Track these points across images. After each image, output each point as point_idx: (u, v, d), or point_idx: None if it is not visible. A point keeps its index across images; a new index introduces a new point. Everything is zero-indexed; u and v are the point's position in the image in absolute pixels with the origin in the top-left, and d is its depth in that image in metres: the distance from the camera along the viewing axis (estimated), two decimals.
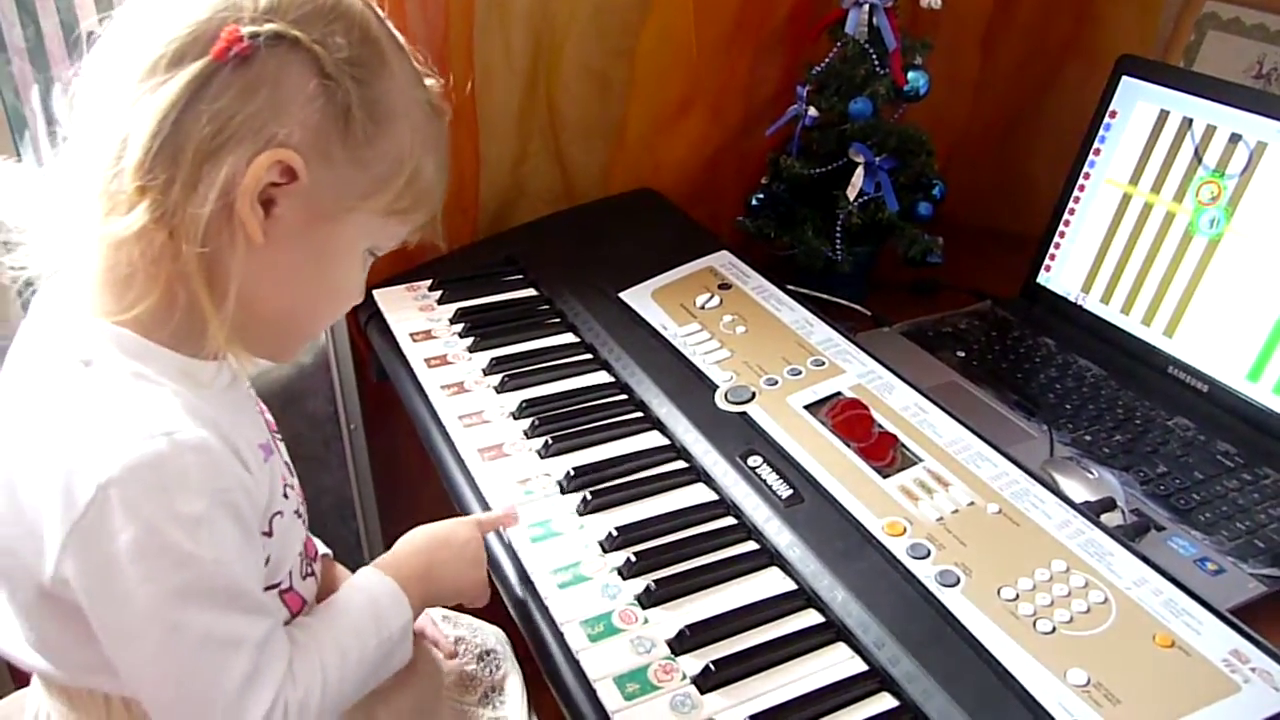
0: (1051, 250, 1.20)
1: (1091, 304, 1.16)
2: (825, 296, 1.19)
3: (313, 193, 0.59)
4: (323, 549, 0.85)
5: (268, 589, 0.65)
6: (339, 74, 0.58)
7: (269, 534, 0.64)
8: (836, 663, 0.71)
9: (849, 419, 0.88)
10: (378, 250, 0.67)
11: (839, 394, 0.92)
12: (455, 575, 0.76)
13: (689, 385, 0.96)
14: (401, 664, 0.72)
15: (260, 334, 0.65)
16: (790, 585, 0.77)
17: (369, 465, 1.27)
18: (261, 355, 0.67)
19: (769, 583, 0.77)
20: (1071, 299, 1.18)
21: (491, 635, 0.90)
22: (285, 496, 0.67)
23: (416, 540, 0.77)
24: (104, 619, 0.57)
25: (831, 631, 0.73)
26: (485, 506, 0.85)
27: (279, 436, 0.73)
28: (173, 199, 0.55)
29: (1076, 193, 1.18)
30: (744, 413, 0.91)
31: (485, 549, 0.80)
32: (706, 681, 0.68)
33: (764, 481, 0.83)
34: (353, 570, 0.86)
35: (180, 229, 0.56)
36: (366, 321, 1.13)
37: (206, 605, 0.57)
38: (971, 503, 0.79)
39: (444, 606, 0.86)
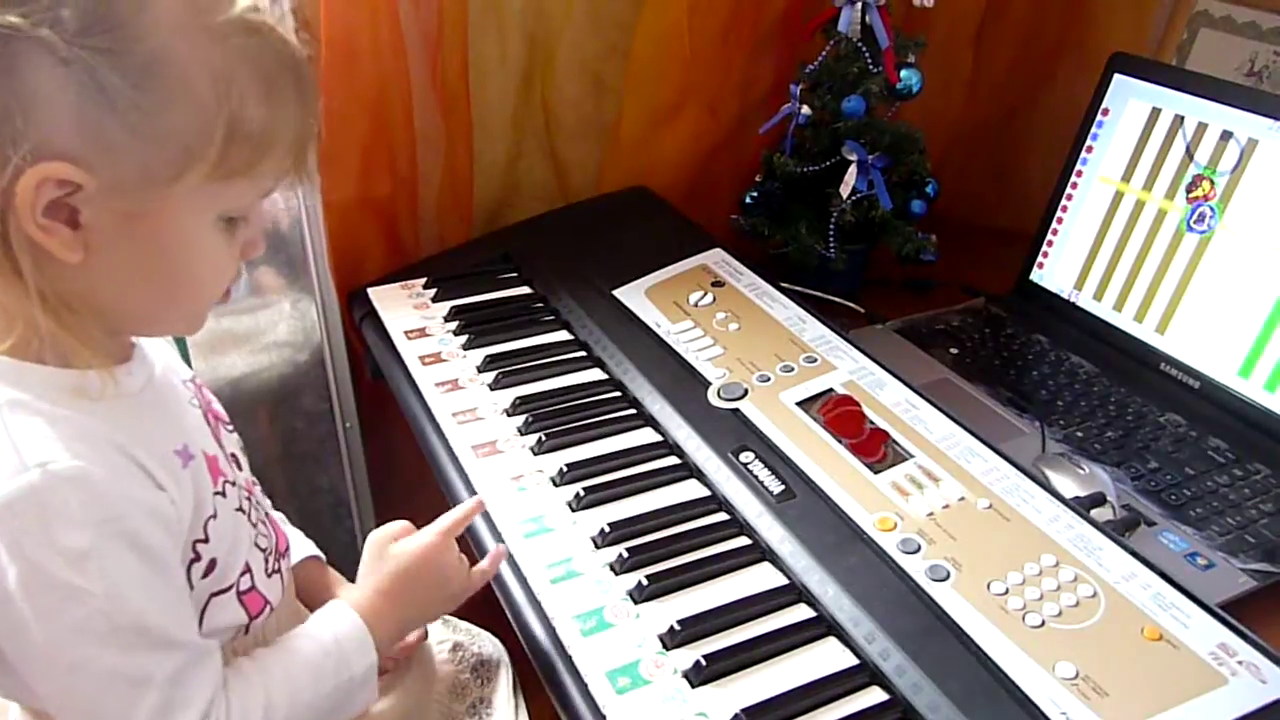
0: (1044, 248, 1.21)
1: (1084, 301, 1.16)
2: (819, 294, 1.19)
3: (112, 190, 0.52)
4: (313, 550, 0.84)
5: (219, 593, 0.63)
6: (75, 55, 0.49)
7: (205, 540, 0.61)
8: (827, 657, 0.71)
9: (841, 415, 0.89)
10: (234, 214, 0.59)
11: (831, 390, 0.92)
12: (430, 604, 0.74)
13: (682, 382, 0.96)
14: (365, 706, 0.69)
15: (151, 322, 0.62)
16: (781, 580, 0.77)
17: (365, 463, 1.27)
18: (168, 334, 0.63)
19: (760, 578, 0.77)
20: (1064, 296, 1.19)
21: (489, 643, 0.90)
22: (223, 495, 0.64)
23: (387, 566, 0.73)
24: (10, 652, 0.55)
25: (822, 626, 0.73)
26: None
27: (229, 426, 0.71)
28: None
29: (1069, 190, 1.18)
30: (736, 409, 0.91)
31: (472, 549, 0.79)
32: (698, 675, 0.68)
33: (756, 477, 0.84)
34: (346, 573, 0.86)
35: None
36: (361, 319, 1.13)
37: (107, 643, 0.54)
38: (962, 498, 0.80)
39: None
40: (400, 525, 0.77)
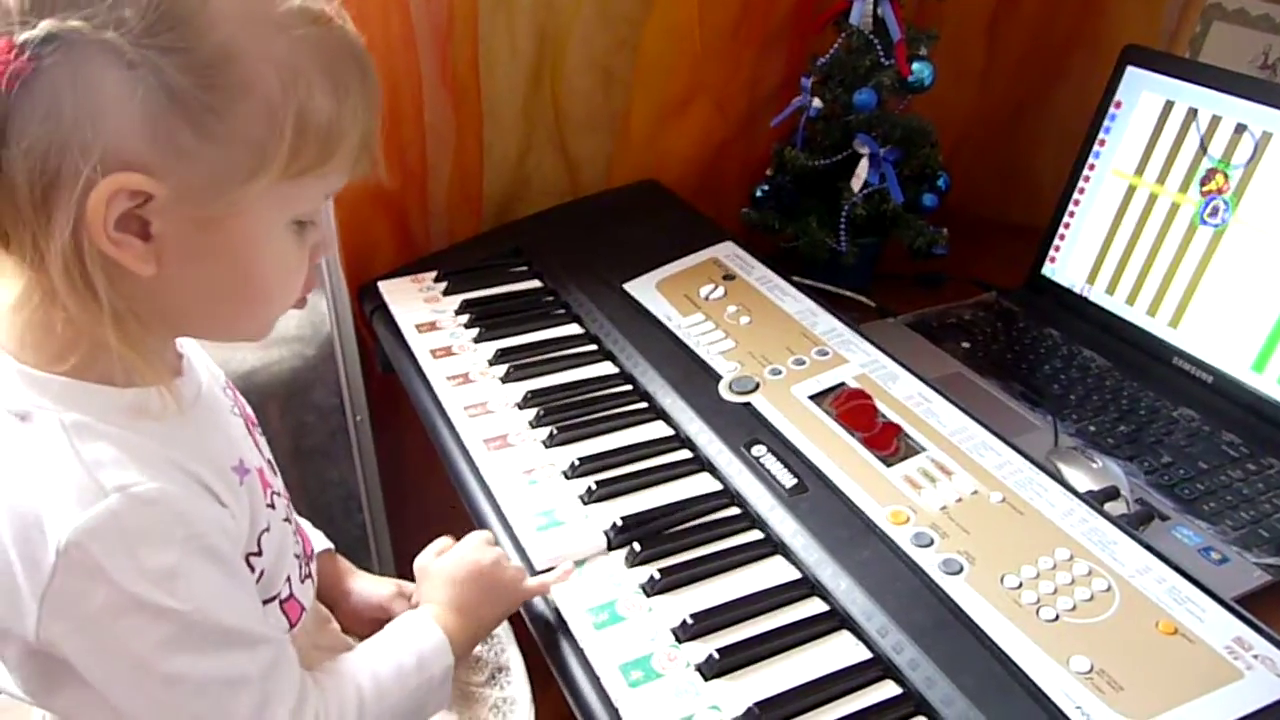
0: (1056, 241, 1.20)
1: (1096, 295, 1.16)
2: (830, 288, 1.19)
3: (183, 198, 0.51)
4: (325, 543, 0.84)
5: (265, 602, 0.63)
6: (141, 56, 0.48)
7: (258, 553, 0.62)
8: (840, 650, 0.71)
9: (853, 409, 0.88)
10: (304, 217, 0.58)
11: (843, 384, 0.92)
12: (481, 605, 0.74)
13: (693, 376, 0.96)
14: (439, 708, 0.70)
15: (217, 329, 0.61)
16: (794, 574, 0.77)
17: (375, 457, 1.27)
18: (233, 340, 0.62)
19: (773, 571, 0.77)
20: (1076, 290, 1.18)
21: None
22: (271, 507, 0.64)
23: (436, 580, 0.75)
24: (100, 678, 0.55)
25: (835, 620, 0.73)
26: (490, 497, 0.86)
27: (258, 430, 0.71)
28: (37, 255, 0.50)
29: (1081, 184, 1.18)
30: (748, 403, 0.91)
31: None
32: (710, 669, 0.68)
33: (768, 471, 0.84)
34: (357, 563, 0.86)
35: (60, 281, 0.50)
36: (372, 313, 1.13)
37: (199, 651, 0.55)
38: (975, 491, 0.79)
39: None
40: (440, 542, 0.80)
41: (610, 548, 0.79)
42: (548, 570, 0.77)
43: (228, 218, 0.53)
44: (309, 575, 0.71)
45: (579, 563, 0.78)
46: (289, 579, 0.67)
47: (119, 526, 0.52)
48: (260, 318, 0.61)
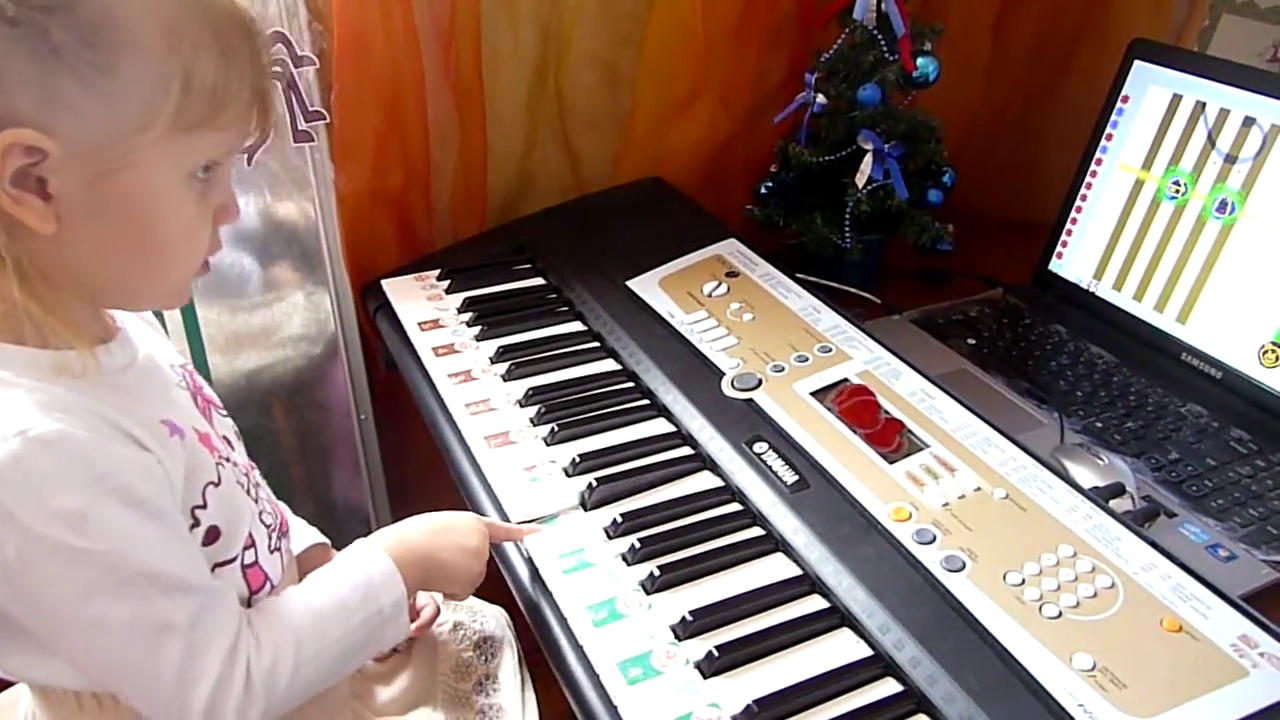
0: (1063, 237, 1.20)
1: (1104, 291, 1.15)
2: (834, 284, 1.19)
3: (77, 154, 0.52)
4: (320, 538, 0.85)
5: (223, 564, 0.64)
6: (22, 14, 0.49)
7: (203, 505, 0.62)
8: (841, 648, 0.70)
9: (855, 405, 0.88)
10: (203, 172, 0.59)
11: (845, 380, 0.91)
12: (454, 563, 0.75)
13: (695, 372, 0.95)
14: (396, 639, 0.71)
15: (130, 294, 0.62)
16: (795, 571, 0.76)
17: (379, 455, 1.27)
18: (151, 307, 0.64)
19: (774, 568, 0.77)
20: (1083, 286, 1.17)
21: (492, 618, 0.90)
22: (221, 467, 0.65)
23: (423, 522, 0.76)
24: (28, 622, 0.56)
25: (836, 617, 0.72)
26: (492, 494, 0.85)
27: (223, 411, 0.72)
28: None
29: (1088, 178, 1.17)
30: (750, 399, 0.91)
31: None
32: (710, 666, 0.68)
33: (769, 468, 0.83)
34: None
35: None
36: (375, 311, 1.13)
37: (120, 596, 0.55)
38: (978, 488, 0.79)
39: (436, 592, 0.85)
40: None
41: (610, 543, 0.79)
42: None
43: (122, 169, 0.54)
44: (278, 549, 0.71)
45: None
46: (253, 545, 0.67)
47: (21, 469, 0.52)
48: (165, 278, 0.61)
